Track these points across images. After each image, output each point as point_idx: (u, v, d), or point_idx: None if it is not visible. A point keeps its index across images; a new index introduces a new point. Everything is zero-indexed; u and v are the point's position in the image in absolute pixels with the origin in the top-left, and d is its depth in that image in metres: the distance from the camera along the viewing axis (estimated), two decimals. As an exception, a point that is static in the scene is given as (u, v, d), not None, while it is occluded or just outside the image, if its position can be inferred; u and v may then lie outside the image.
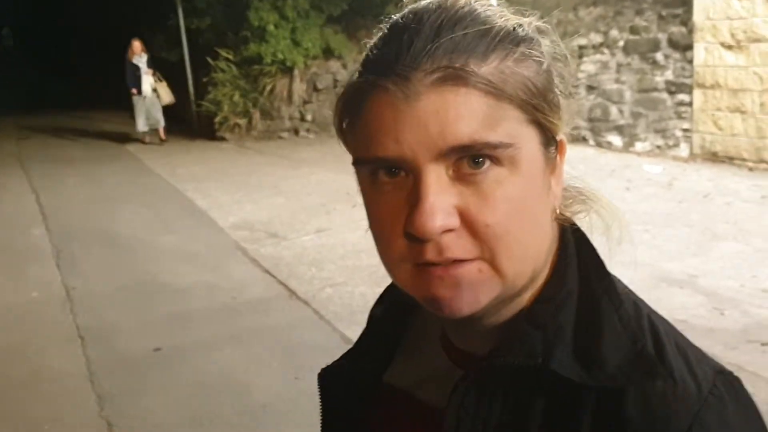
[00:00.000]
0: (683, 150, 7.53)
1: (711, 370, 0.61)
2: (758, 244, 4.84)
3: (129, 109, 16.11)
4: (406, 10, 0.62)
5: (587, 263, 0.65)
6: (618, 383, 0.58)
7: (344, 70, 11.06)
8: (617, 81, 8.06)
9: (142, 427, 3.29)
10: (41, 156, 10.70)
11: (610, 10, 8.27)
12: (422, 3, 0.62)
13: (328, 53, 11.09)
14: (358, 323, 3.46)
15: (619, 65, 8.07)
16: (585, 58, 8.35)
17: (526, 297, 0.64)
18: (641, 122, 7.87)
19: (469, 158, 0.56)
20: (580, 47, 8.34)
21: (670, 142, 7.66)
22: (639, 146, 7.89)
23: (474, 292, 0.58)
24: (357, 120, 0.61)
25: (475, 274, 0.58)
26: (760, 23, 6.64)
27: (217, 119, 11.10)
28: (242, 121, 11.19)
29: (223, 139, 11.16)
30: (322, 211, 6.55)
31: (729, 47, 6.94)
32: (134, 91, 11.29)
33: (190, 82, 12.18)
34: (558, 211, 0.64)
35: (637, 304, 0.64)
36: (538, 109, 0.59)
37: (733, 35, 6.88)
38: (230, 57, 11.20)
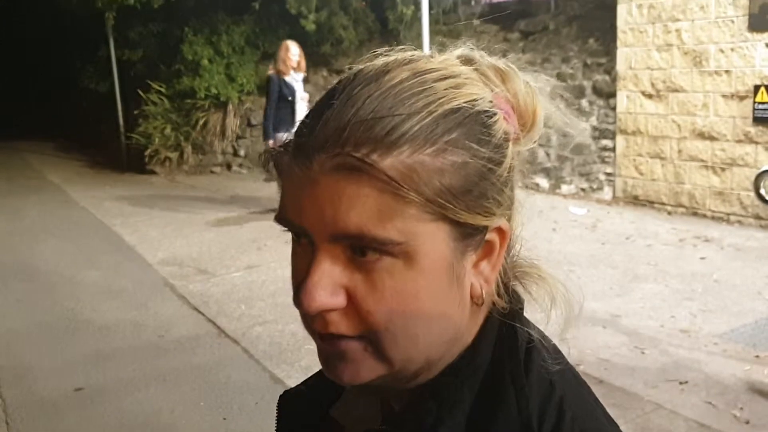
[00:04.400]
0: (607, 193, 7.81)
1: None
2: (676, 285, 5.04)
3: (57, 138, 15.83)
4: (348, 75, 0.61)
5: (504, 343, 0.64)
6: None
7: (279, 106, 11.07)
8: (544, 125, 8.33)
9: (60, 472, 3.15)
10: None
11: (538, 57, 8.58)
12: (367, 67, 0.61)
13: (262, 89, 11.08)
14: (288, 362, 3.44)
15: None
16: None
17: (438, 368, 0.63)
18: (567, 165, 8.14)
19: (358, 247, 0.56)
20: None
21: (594, 186, 7.94)
22: (565, 189, 8.15)
23: (355, 367, 0.59)
24: (279, 180, 0.62)
25: (359, 352, 0.59)
26: (677, 74, 7.01)
27: (148, 152, 10.90)
28: (173, 155, 11.02)
29: (153, 172, 10.96)
30: (253, 247, 6.49)
31: (649, 96, 7.29)
32: (270, 142, 7.00)
33: (120, 114, 11.96)
34: (485, 294, 0.63)
35: (554, 386, 0.63)
36: (448, 207, 0.56)
37: (653, 85, 7.23)
38: (162, 90, 11.07)
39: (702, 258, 5.64)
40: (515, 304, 0.66)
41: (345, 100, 0.57)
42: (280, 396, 0.81)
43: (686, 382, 3.61)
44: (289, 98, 7.00)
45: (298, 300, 0.57)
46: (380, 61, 0.62)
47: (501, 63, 0.66)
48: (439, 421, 0.60)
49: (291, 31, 10.69)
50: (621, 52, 7.49)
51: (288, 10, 9.83)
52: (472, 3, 10.12)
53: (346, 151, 0.55)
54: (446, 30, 9.32)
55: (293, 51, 7.04)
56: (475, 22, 9.58)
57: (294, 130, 0.60)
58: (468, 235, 0.59)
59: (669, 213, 7.15)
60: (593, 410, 0.65)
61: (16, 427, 3.50)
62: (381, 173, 0.54)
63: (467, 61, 0.65)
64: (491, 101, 0.61)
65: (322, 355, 0.62)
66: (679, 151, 7.09)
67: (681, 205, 7.12)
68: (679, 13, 6.93)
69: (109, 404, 3.71)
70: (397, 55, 0.63)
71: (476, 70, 0.64)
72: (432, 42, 7.23)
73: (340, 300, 0.57)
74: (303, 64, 7.22)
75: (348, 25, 10.52)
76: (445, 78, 0.59)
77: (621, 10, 7.43)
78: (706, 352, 3.96)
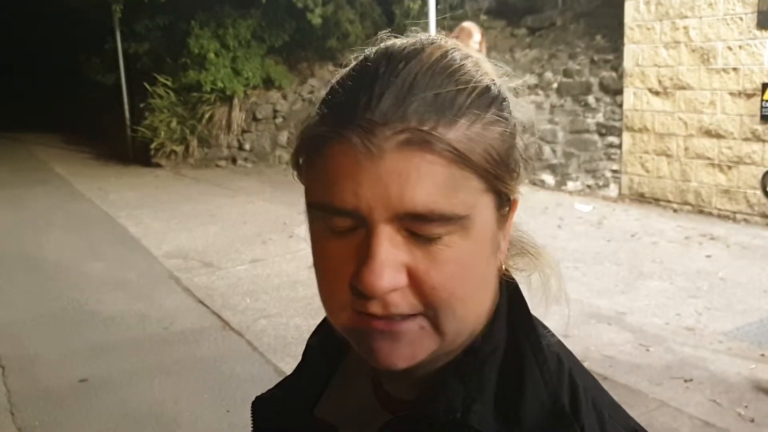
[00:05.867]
0: (612, 190, 7.79)
1: (623, 430, 0.63)
2: (681, 283, 5.03)
3: (63, 131, 15.83)
4: (378, 52, 0.60)
5: (517, 318, 0.64)
6: None
7: (284, 100, 11.07)
8: (551, 122, 8.31)
9: (64, 462, 3.16)
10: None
11: (545, 53, 8.56)
12: (397, 45, 0.60)
13: (268, 83, 11.08)
14: (292, 355, 3.44)
15: (553, 106, 8.33)
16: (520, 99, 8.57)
17: (459, 349, 0.63)
18: (573, 162, 8.12)
19: (423, 223, 0.55)
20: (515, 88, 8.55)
21: (600, 182, 7.92)
22: (571, 185, 8.13)
23: (412, 348, 0.58)
24: (315, 162, 0.59)
25: (416, 331, 0.58)
26: (685, 71, 6.98)
27: (153, 145, 10.91)
28: (179, 149, 11.03)
29: (158, 165, 10.97)
30: (258, 240, 6.49)
31: (656, 93, 7.26)
32: None
33: (126, 107, 11.97)
34: (503, 267, 0.65)
35: (561, 359, 0.64)
36: (499, 177, 0.58)
37: (660, 82, 7.20)
38: (168, 83, 11.07)
39: (708, 256, 5.62)
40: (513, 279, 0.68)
41: (393, 75, 0.56)
42: (253, 402, 0.79)
43: (691, 379, 3.60)
44: None
45: (364, 283, 0.55)
46: (403, 41, 0.61)
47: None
48: (469, 402, 0.59)
49: (297, 26, 10.69)
50: (628, 49, 7.45)
51: (294, 3, 9.82)
52: (479, -2, 10.09)
53: (413, 126, 0.54)
54: (453, 25, 9.30)
55: (476, 37, 6.22)
56: (482, 17, 9.56)
57: (331, 105, 0.58)
58: (502, 205, 0.61)
59: (675, 211, 7.13)
60: (594, 380, 0.67)
61: (21, 417, 3.51)
62: (449, 146, 0.55)
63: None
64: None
65: (368, 343, 0.59)
66: (686, 149, 7.06)
67: (687, 203, 7.10)
68: (687, 10, 6.90)
69: (113, 395, 3.72)
70: (415, 36, 0.62)
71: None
72: (439, 37, 7.21)
73: (403, 278, 0.56)
74: (484, 49, 6.54)
75: (354, 19, 10.50)
76: (467, 57, 0.60)
77: (628, 6, 7.40)
78: (711, 350, 3.95)
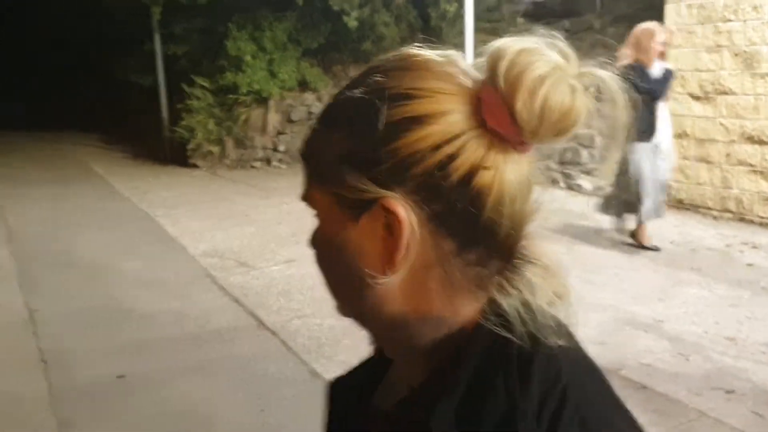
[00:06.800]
0: (650, 196, 7.66)
1: None
2: (721, 291, 4.93)
3: (99, 130, 16.15)
4: None
5: (494, 345, 0.63)
6: None
7: (319, 102, 11.12)
8: (588, 126, 8.22)
9: (102, 457, 3.21)
10: (4, 177, 10.51)
11: (583, 57, 8.46)
12: None
13: (303, 85, 11.16)
14: (326, 356, 3.45)
15: (590, 111, 8.23)
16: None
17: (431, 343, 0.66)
18: (610, 167, 8.00)
19: None
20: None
21: (638, 188, 7.79)
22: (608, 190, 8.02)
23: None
24: None
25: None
26: (727, 76, 6.85)
27: (191, 146, 11.05)
28: (215, 149, 11.15)
29: (195, 166, 11.10)
30: (292, 241, 6.53)
31: (697, 98, 7.14)
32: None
33: (165, 107, 12.14)
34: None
35: (559, 373, 0.61)
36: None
37: (701, 87, 7.08)
38: (206, 85, 11.20)
39: (749, 264, 5.51)
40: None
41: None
42: (329, 384, 0.82)
43: (732, 390, 3.53)
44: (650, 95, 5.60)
45: None
46: None
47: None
48: (436, 407, 0.61)
49: (333, 28, 10.74)
50: (668, 53, 7.33)
51: (330, 6, 9.86)
52: (516, 0, 10.03)
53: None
54: (489, 28, 9.25)
55: (659, 37, 5.69)
56: (519, 20, 9.50)
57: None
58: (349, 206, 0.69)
59: (715, 218, 6.99)
60: (602, 398, 0.64)
61: (61, 411, 3.57)
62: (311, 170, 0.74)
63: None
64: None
65: None
66: (727, 155, 6.93)
67: (728, 210, 6.96)
68: (730, 13, 6.77)
69: (149, 392, 3.77)
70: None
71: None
72: (475, 40, 7.20)
73: None
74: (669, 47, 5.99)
75: (389, 22, 10.51)
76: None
77: (669, 10, 7.28)
78: (753, 360, 3.86)
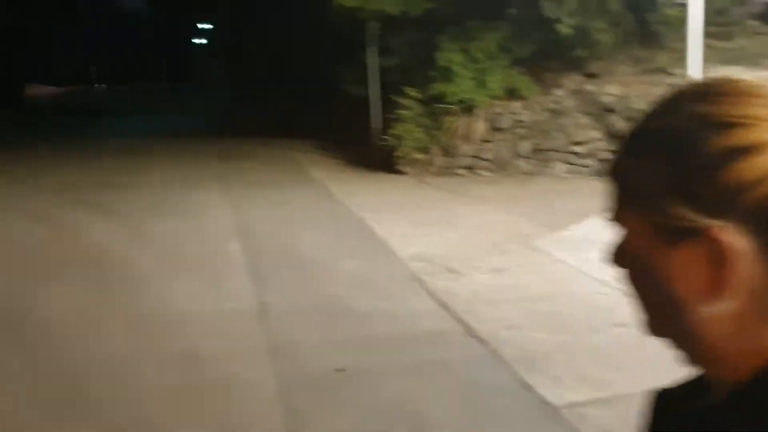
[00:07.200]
0: None
1: None
2: None
3: (314, 137, 17.34)
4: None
5: None
6: None
7: (526, 111, 11.04)
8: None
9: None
10: (236, 179, 11.54)
11: None
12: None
13: (511, 93, 11.14)
14: (538, 370, 3.40)
15: None
16: None
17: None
18: None
19: None
20: None
21: None
22: None
23: None
24: None
25: None
26: None
27: (399, 153, 11.46)
28: (422, 157, 11.47)
29: (402, 172, 11.49)
30: (496, 250, 6.54)
31: None
32: None
33: (377, 117, 12.72)
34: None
35: None
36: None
37: None
38: (416, 95, 11.56)
39: None
40: None
41: None
42: (656, 393, 0.81)
43: None
44: None
45: None
46: None
47: None
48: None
49: (544, 36, 10.62)
50: None
51: (543, 14, 9.76)
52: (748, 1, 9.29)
53: None
54: (716, 32, 8.66)
55: None
56: (751, 23, 8.79)
57: None
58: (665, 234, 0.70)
59: None
60: None
61: (288, 398, 3.87)
62: None
63: None
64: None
65: None
66: None
67: None
68: None
69: (365, 387, 3.97)
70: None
71: None
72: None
73: None
74: None
75: (605, 27, 10.20)
76: None
77: None
78: None
